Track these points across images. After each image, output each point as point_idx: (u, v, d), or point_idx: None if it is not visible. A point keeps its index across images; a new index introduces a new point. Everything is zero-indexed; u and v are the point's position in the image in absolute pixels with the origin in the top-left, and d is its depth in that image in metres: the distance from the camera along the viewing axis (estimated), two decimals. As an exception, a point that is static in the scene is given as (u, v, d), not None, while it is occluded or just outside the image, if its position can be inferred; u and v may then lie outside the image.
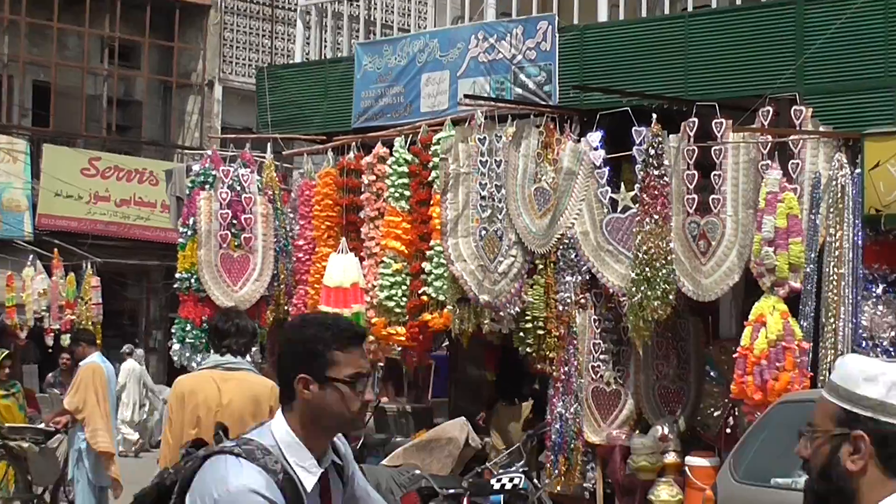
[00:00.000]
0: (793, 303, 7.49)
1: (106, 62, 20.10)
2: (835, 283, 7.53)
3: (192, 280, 9.35)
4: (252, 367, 4.76)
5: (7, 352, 9.43)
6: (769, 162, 7.58)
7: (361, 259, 9.21)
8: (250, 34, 20.79)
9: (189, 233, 9.51)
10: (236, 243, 9.55)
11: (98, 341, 11.02)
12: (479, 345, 9.44)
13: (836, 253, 7.56)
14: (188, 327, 9.31)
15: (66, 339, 14.68)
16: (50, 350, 15.95)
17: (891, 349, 7.75)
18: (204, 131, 19.54)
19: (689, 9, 8.92)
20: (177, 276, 9.79)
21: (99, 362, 8.51)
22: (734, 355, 7.54)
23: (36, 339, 16.29)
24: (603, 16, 9.16)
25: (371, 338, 8.93)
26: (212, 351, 4.77)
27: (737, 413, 8.09)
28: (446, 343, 10.17)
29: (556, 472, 8.15)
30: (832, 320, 7.46)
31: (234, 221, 9.60)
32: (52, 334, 15.98)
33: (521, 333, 8.37)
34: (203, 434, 4.25)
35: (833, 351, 7.41)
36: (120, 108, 20.64)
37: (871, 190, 7.50)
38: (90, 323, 15.16)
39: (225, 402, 4.39)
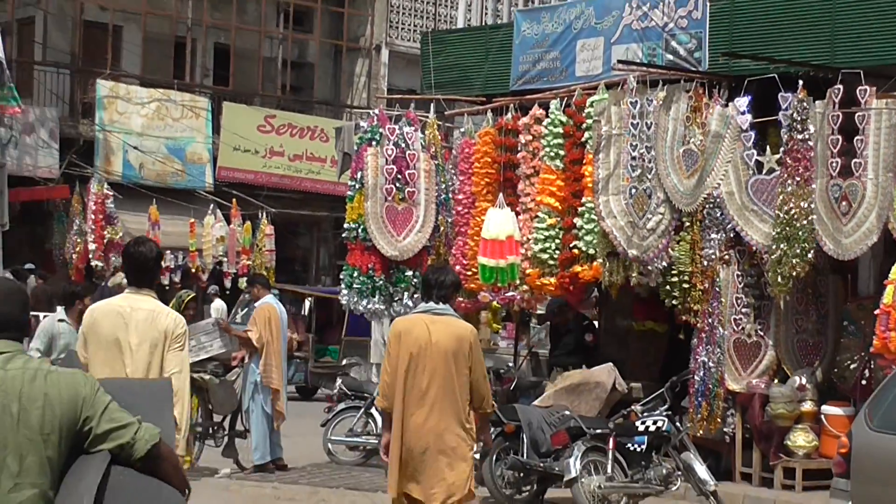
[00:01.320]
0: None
1: (281, 26, 22.41)
2: None
3: (359, 230, 10.11)
4: (455, 312, 5.74)
5: (192, 294, 10.26)
6: None
7: (517, 214, 10.02)
8: (416, 1, 21.95)
9: (357, 186, 10.29)
10: (400, 197, 10.32)
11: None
12: (627, 296, 10.16)
13: None
14: (355, 274, 10.10)
15: (242, 282, 16.32)
16: (227, 291, 17.76)
17: None
18: (371, 92, 20.98)
19: None
20: (345, 226, 10.61)
21: (273, 304, 9.58)
22: (874, 311, 8.03)
23: (216, 281, 18.15)
24: None
25: (525, 287, 9.84)
26: (424, 299, 5.75)
27: (872, 366, 8.59)
28: (595, 294, 10.92)
29: (699, 416, 8.87)
30: None
31: (399, 176, 10.34)
32: (230, 277, 17.81)
33: (668, 287, 9.06)
34: (416, 363, 5.27)
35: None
36: (294, 70, 22.79)
37: None
38: (264, 268, 16.71)
39: (434, 340, 5.37)
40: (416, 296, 9.39)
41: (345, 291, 10.29)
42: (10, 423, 2.26)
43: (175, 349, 4.52)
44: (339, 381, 11.18)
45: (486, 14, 13.05)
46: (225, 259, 17.68)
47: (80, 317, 5.64)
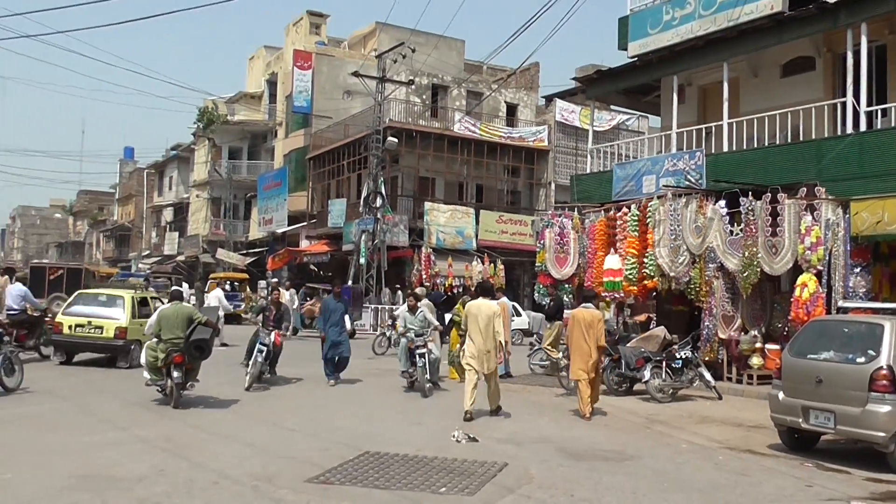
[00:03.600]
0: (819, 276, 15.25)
1: (506, 175, 38.75)
2: (837, 265, 15.44)
3: (543, 266, 19.89)
4: (593, 306, 13.98)
5: (469, 299, 19.40)
6: (806, 214, 15.74)
7: (619, 258, 19.09)
8: (566, 160, 37.76)
9: (541, 246, 20.22)
10: (561, 251, 19.95)
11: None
12: (670, 294, 18.69)
13: (836, 254, 15.67)
14: (541, 287, 19.87)
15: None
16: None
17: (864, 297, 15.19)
18: (547, 203, 35.16)
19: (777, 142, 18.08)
20: (536, 265, 20.49)
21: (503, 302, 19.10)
22: (790, 299, 15.52)
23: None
24: (725, 147, 18.47)
25: (623, 293, 18.91)
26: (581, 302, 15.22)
27: (790, 326, 15.47)
28: (655, 294, 19.70)
29: (706, 350, 17.08)
30: (837, 283, 15.31)
31: (560, 242, 19.95)
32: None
33: (689, 289, 17.43)
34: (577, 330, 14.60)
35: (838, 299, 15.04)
36: (510, 194, 40.94)
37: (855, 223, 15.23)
38: (499, 285, 28.28)
39: (585, 319, 13.52)
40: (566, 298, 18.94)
41: (536, 295, 20.04)
42: (175, 318, 12.61)
43: (499, 318, 12.94)
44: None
45: (600, 164, 22.61)
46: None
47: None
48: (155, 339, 12.64)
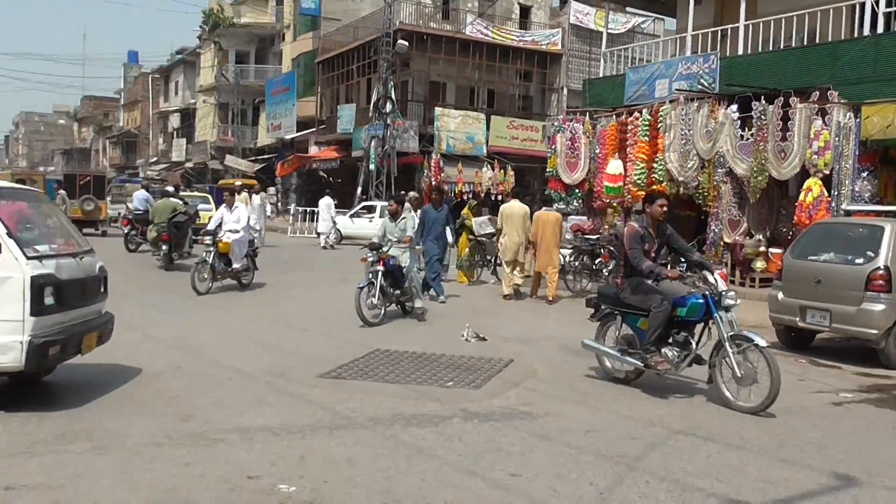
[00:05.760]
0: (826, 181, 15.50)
1: (518, 80, 37.60)
2: (845, 169, 15.57)
3: (554, 171, 19.91)
4: (553, 209, 15.07)
5: (476, 202, 19.61)
6: (817, 118, 15.80)
7: (625, 163, 19.18)
8: (580, 64, 36.77)
9: (552, 151, 20.16)
10: (572, 156, 19.91)
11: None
12: (678, 199, 18.60)
13: (844, 158, 15.80)
14: (553, 192, 19.77)
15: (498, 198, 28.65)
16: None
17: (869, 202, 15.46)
18: (559, 108, 34.22)
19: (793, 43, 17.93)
20: (547, 170, 20.37)
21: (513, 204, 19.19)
22: (795, 204, 15.78)
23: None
24: (740, 50, 18.30)
25: (632, 197, 19.06)
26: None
27: (794, 230, 15.67)
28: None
29: (712, 253, 17.37)
30: (844, 188, 15.62)
31: (572, 147, 19.88)
32: (491, 196, 32.04)
33: (698, 194, 17.62)
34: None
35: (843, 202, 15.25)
36: (522, 99, 39.71)
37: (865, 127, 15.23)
38: (509, 192, 27.38)
39: (548, 219, 14.52)
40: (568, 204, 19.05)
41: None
42: (164, 209, 16.10)
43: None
44: None
45: (613, 69, 22.36)
46: (491, 187, 31.36)
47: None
48: (152, 225, 18.45)
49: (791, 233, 16.25)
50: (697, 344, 7.95)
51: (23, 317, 6.35)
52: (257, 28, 53.55)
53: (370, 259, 12.12)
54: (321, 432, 6.27)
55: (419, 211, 15.11)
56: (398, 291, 12.35)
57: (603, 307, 8.58)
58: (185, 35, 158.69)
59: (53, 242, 7.22)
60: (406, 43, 32.45)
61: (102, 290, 7.60)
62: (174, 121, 67.68)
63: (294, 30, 49.04)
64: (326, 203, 27.07)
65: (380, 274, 11.88)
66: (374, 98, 33.43)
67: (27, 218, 7.22)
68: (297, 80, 45.54)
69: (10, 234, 6.48)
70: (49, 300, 6.51)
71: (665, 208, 8.27)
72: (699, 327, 7.97)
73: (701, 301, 7.75)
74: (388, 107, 32.26)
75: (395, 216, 12.81)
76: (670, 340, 7.99)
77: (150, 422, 6.44)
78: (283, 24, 51.36)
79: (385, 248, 12.36)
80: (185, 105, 65.09)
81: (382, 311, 11.89)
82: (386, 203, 17.89)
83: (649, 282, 8.04)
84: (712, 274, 7.92)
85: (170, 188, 22.62)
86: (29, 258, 6.47)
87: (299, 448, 5.87)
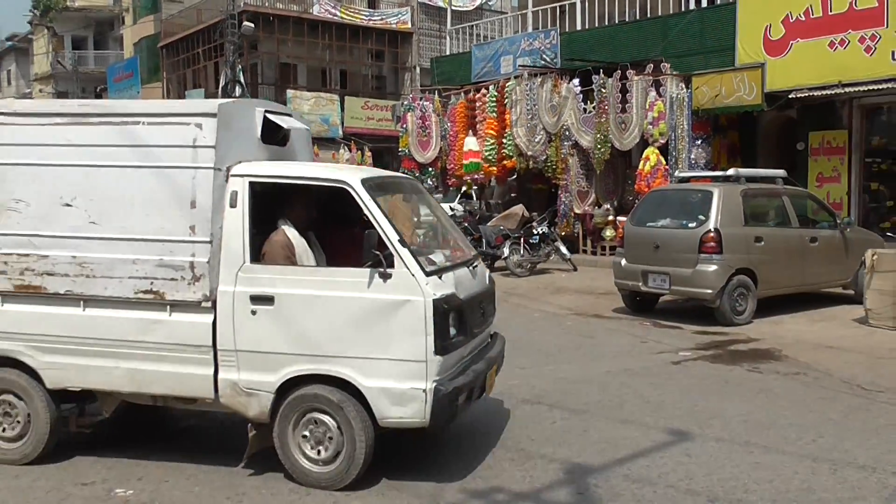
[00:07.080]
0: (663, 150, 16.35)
1: (371, 60, 35.72)
2: (681, 138, 16.51)
3: (407, 150, 19.89)
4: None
5: None
6: (651, 90, 16.75)
7: (478, 139, 19.43)
8: (430, 43, 36.56)
9: (403, 131, 20.16)
10: (423, 135, 20.01)
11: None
12: (529, 173, 19.19)
13: (679, 127, 16.67)
14: (407, 172, 19.65)
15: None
16: None
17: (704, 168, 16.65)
18: (410, 87, 33.68)
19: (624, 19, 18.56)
20: (400, 149, 20.33)
21: None
22: (635, 173, 16.65)
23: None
24: (578, 26, 18.85)
25: (483, 174, 19.34)
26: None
27: (638, 198, 15.94)
28: (514, 175, 20.23)
29: (563, 225, 17.96)
30: (681, 156, 16.58)
31: (423, 126, 19.94)
32: None
33: (547, 168, 18.08)
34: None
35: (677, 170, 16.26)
36: (375, 79, 38.06)
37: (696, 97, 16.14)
38: None
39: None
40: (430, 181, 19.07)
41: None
42: None
43: None
44: None
45: (459, 46, 22.53)
46: None
47: None
48: None
49: (636, 201, 16.96)
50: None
51: (425, 356, 4.75)
52: (94, 11, 50.87)
53: None
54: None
55: None
56: None
57: None
58: (14, 19, 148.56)
59: (445, 248, 5.74)
60: (252, 25, 31.63)
61: (494, 307, 5.99)
62: (8, 112, 63.39)
63: (133, 13, 46.85)
64: None
65: None
66: (222, 82, 32.48)
67: (407, 217, 5.82)
68: (140, 66, 43.61)
69: (403, 242, 4.87)
70: (453, 330, 4.92)
71: None
72: None
73: None
74: (238, 91, 31.35)
75: None
76: None
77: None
78: (122, 7, 49.01)
79: None
80: (21, 94, 61.11)
81: None
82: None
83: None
84: None
85: None
86: (428, 273, 4.87)
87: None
